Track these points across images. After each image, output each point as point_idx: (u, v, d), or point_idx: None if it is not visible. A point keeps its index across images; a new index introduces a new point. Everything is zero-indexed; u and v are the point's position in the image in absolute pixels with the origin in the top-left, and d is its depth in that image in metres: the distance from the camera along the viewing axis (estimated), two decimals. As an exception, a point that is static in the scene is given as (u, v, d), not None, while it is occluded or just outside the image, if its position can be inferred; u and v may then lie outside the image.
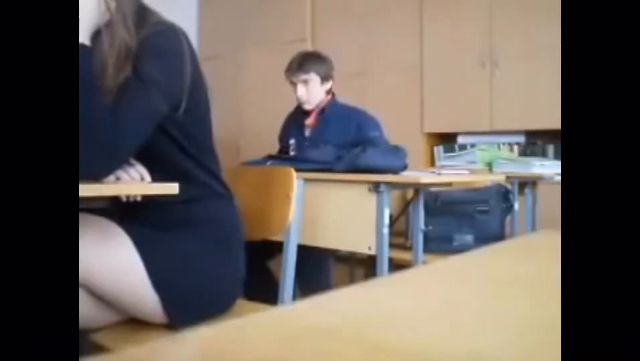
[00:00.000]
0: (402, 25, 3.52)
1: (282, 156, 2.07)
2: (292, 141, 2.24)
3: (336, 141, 1.94)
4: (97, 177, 0.94)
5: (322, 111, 2.19)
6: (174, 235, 1.10)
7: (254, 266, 1.30)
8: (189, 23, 4.48)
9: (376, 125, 2.15)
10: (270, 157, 1.96)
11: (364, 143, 1.70)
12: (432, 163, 3.45)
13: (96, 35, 1.03)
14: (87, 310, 1.02)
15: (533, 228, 2.47)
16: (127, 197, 1.11)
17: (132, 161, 1.05)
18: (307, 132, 2.23)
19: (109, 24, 1.03)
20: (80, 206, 0.71)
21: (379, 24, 3.63)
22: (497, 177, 2.26)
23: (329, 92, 2.23)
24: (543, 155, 3.08)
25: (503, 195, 2.20)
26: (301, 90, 2.16)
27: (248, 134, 4.13)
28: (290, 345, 0.26)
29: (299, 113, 2.27)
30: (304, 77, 2.16)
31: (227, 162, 1.80)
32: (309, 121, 2.20)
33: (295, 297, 1.40)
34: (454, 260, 0.48)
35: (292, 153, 2.19)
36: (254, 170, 1.60)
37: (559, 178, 2.52)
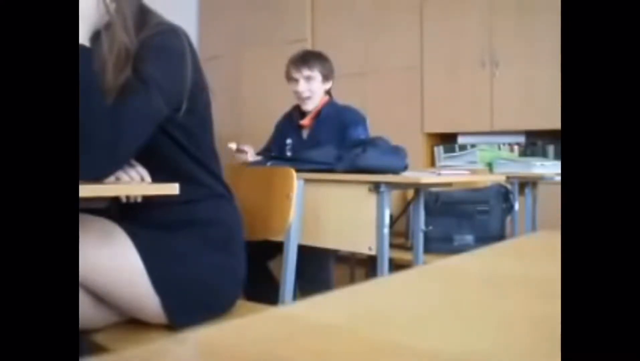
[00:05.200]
0: (403, 25, 3.52)
1: (282, 156, 2.07)
2: (288, 141, 2.23)
3: (331, 142, 1.94)
4: (97, 177, 0.94)
5: (318, 112, 2.19)
6: (175, 235, 1.10)
7: (254, 266, 1.30)
8: (189, 23, 4.48)
9: (358, 123, 2.12)
10: (270, 157, 1.96)
11: (364, 144, 1.70)
12: (432, 163, 3.45)
13: (96, 36, 1.03)
14: (87, 310, 1.02)
15: (533, 228, 2.47)
16: (128, 197, 1.11)
17: (132, 162, 1.05)
18: (304, 133, 2.22)
19: (108, 26, 1.03)
20: (81, 206, 0.71)
21: (379, 24, 3.63)
22: (498, 177, 2.26)
23: (327, 92, 2.23)
24: (543, 156, 3.08)
25: (503, 195, 2.20)
26: (303, 85, 2.14)
27: (248, 134, 4.13)
28: (290, 345, 0.26)
29: (296, 113, 2.26)
30: (307, 72, 2.14)
31: (227, 162, 1.80)
32: (305, 122, 2.19)
33: (295, 297, 1.40)
34: (454, 260, 0.48)
35: (288, 153, 2.19)
36: (255, 171, 1.60)
37: (559, 178, 2.52)
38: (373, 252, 1.56)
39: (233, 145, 2.06)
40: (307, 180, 1.42)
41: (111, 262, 1.01)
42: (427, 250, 1.86)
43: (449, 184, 1.98)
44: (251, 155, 2.09)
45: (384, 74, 3.60)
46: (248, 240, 1.24)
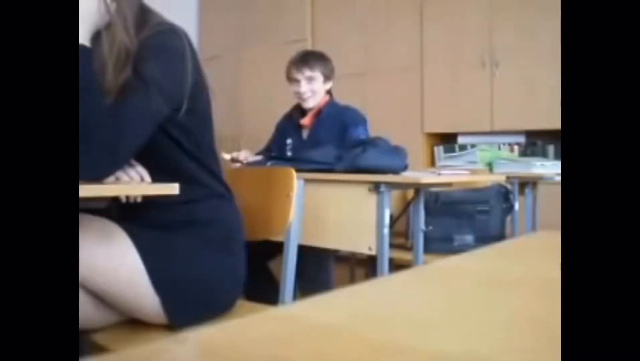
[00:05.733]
0: (402, 25, 3.52)
1: (282, 156, 2.07)
2: (289, 141, 2.23)
3: (331, 142, 1.94)
4: (97, 177, 0.94)
5: (319, 112, 2.18)
6: (175, 235, 1.10)
7: (254, 266, 1.30)
8: (189, 23, 4.48)
9: (358, 123, 2.12)
10: (270, 157, 1.96)
11: (364, 144, 1.70)
12: (433, 163, 3.45)
13: (96, 36, 1.03)
14: (87, 310, 1.02)
15: (533, 228, 2.47)
16: (128, 197, 1.11)
17: (132, 162, 1.05)
18: (304, 133, 2.22)
19: (108, 26, 1.03)
20: (81, 206, 0.71)
21: (379, 24, 3.63)
22: (498, 177, 2.26)
23: (327, 92, 2.22)
24: (543, 156, 3.08)
25: (503, 195, 2.20)
26: (305, 86, 2.13)
27: (248, 134, 4.13)
28: (290, 345, 0.26)
29: (296, 113, 2.26)
30: (309, 73, 2.13)
31: (225, 167, 1.79)
32: (305, 121, 2.19)
33: (295, 297, 1.40)
34: (454, 260, 0.48)
35: (288, 153, 2.19)
36: (255, 171, 1.60)
37: (559, 178, 2.52)
38: (373, 252, 1.56)
39: (227, 156, 2.06)
40: (307, 180, 1.42)
41: (111, 261, 1.01)
42: (427, 250, 1.86)
43: (449, 184, 1.98)
44: (245, 157, 2.09)
45: (384, 74, 3.60)
46: (248, 240, 1.24)
